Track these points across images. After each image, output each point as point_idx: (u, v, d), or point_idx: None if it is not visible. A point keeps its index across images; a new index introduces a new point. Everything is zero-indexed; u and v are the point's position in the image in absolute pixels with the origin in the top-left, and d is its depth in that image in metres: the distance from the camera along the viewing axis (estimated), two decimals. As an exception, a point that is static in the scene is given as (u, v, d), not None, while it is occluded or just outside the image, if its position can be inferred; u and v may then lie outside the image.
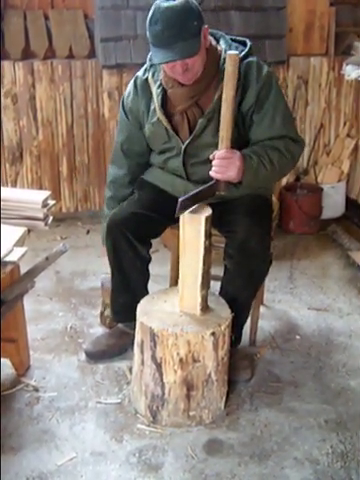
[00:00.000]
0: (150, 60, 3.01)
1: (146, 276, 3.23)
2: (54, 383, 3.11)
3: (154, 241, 3.21)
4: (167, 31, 2.67)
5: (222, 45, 2.94)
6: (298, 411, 2.94)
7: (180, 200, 2.66)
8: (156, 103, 2.97)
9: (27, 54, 4.69)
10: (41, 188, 4.84)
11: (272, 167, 2.83)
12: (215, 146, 2.82)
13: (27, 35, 4.68)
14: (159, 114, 2.97)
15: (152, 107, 3.01)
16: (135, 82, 3.08)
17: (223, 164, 2.71)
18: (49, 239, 4.61)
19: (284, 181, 4.87)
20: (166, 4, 2.69)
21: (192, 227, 2.68)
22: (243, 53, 2.89)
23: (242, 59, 2.86)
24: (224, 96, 2.65)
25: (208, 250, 2.73)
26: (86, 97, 4.78)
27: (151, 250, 3.20)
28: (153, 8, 2.72)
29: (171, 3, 2.69)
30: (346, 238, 4.69)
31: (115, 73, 4.70)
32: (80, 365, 3.25)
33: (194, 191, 2.75)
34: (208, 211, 2.69)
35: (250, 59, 2.90)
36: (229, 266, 3.02)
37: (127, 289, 3.17)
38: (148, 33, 2.74)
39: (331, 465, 2.63)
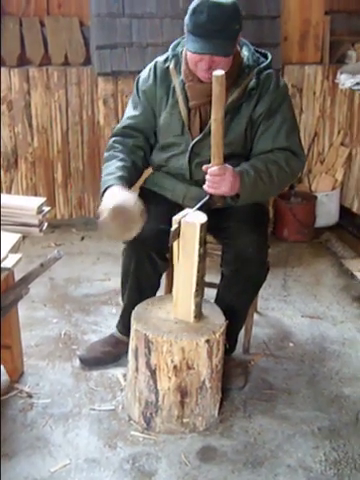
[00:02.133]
0: (173, 49, 3.03)
1: (158, 287, 3.24)
2: (48, 390, 3.11)
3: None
4: (211, 24, 2.69)
5: (245, 53, 2.97)
6: (291, 418, 2.94)
7: (172, 230, 2.66)
8: (179, 95, 2.97)
9: (23, 61, 4.70)
10: (36, 195, 4.84)
11: (271, 181, 2.84)
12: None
13: (23, 42, 4.69)
14: (181, 107, 2.98)
15: (172, 97, 3.01)
16: (155, 68, 3.06)
17: (216, 180, 2.70)
18: (43, 245, 4.61)
19: (279, 189, 4.88)
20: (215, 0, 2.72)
21: (187, 234, 2.68)
22: (264, 64, 2.95)
23: (263, 70, 2.93)
24: (213, 116, 2.62)
25: (203, 258, 2.73)
26: (81, 104, 4.79)
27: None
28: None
29: (221, 0, 2.72)
30: (340, 246, 4.70)
31: (110, 80, 4.72)
32: (74, 372, 3.25)
33: (189, 211, 2.74)
34: (203, 218, 2.69)
35: (270, 71, 2.95)
36: (226, 273, 3.03)
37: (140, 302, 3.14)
38: (188, 21, 2.76)
39: (324, 473, 2.63)
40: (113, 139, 3.14)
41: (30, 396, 3.05)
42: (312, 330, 3.67)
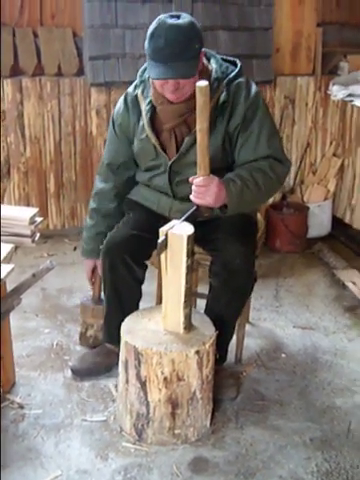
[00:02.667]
0: (140, 76, 3.04)
1: (139, 297, 3.23)
2: (39, 400, 3.10)
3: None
4: (169, 48, 2.68)
5: (213, 65, 2.95)
6: (283, 429, 2.94)
7: (159, 241, 2.67)
8: (145, 120, 2.99)
9: (16, 71, 4.70)
10: (28, 205, 4.84)
11: (257, 189, 2.84)
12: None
13: (16, 52, 4.69)
14: (148, 131, 2.99)
15: (141, 123, 3.03)
16: (126, 98, 3.10)
17: (201, 191, 2.71)
18: (36, 256, 4.61)
19: (270, 200, 4.88)
20: (172, 21, 2.71)
21: (174, 246, 2.68)
22: (233, 74, 2.92)
23: (232, 80, 2.90)
24: (198, 126, 2.63)
25: (190, 269, 2.72)
26: (74, 114, 4.80)
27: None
28: (157, 22, 2.73)
29: (177, 21, 2.71)
30: (332, 257, 4.71)
31: (103, 91, 4.73)
32: (66, 382, 3.24)
33: (176, 222, 2.76)
34: (190, 230, 2.68)
35: (240, 80, 2.93)
36: (214, 284, 3.03)
37: (122, 313, 3.13)
38: (147, 47, 2.76)
39: (316, 484, 2.64)
40: (99, 179, 3.34)
41: (22, 407, 3.04)
42: (304, 341, 3.68)
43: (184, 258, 2.68)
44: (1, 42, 4.58)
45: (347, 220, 4.99)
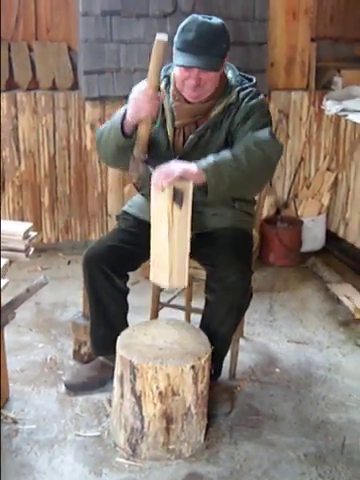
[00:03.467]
0: (165, 71, 3.05)
1: (125, 308, 3.23)
2: (33, 415, 3.09)
3: (134, 273, 3.21)
4: (198, 41, 2.77)
5: (230, 75, 3.03)
6: (277, 444, 2.93)
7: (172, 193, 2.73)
8: (167, 115, 3.01)
9: (10, 85, 4.72)
10: (23, 218, 4.84)
11: (239, 164, 2.78)
12: None
13: (11, 66, 4.71)
14: (169, 126, 3.01)
15: (160, 116, 3.02)
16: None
17: (161, 171, 2.72)
18: (30, 269, 4.60)
19: (264, 214, 4.90)
20: (204, 19, 2.82)
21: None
22: (246, 85, 3.00)
23: (244, 88, 2.97)
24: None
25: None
26: (69, 129, 4.81)
27: (131, 282, 3.21)
28: (189, 19, 2.84)
29: (209, 20, 2.83)
30: (326, 271, 4.72)
31: (98, 105, 4.74)
32: (59, 397, 3.23)
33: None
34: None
35: (251, 89, 2.99)
36: (210, 299, 3.03)
37: (106, 322, 3.17)
38: (177, 39, 2.83)
39: (310, 500, 2.64)
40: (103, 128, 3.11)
41: (15, 422, 3.03)
42: (298, 355, 3.67)
43: (190, 205, 2.75)
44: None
45: (341, 234, 5.00)
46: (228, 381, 3.37)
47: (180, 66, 2.86)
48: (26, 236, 2.97)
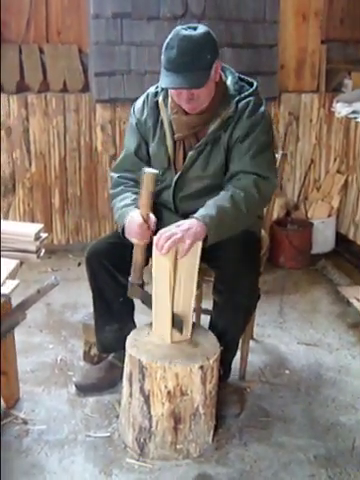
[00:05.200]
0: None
1: (130, 306, 3.23)
2: (43, 416, 3.10)
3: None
4: (180, 58, 2.71)
5: (229, 82, 2.97)
6: (287, 446, 2.93)
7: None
8: (167, 129, 2.99)
9: (21, 87, 4.74)
10: (33, 220, 4.86)
11: (238, 212, 2.79)
12: (203, 180, 2.92)
13: (22, 68, 4.73)
14: (169, 141, 2.99)
15: (160, 130, 3.03)
16: (146, 98, 3.09)
17: (164, 235, 2.66)
18: (40, 271, 4.62)
19: (274, 216, 4.90)
20: (185, 32, 2.74)
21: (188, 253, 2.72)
22: (246, 93, 2.94)
23: (243, 98, 2.92)
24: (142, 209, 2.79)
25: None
26: (79, 130, 4.83)
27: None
28: (172, 33, 2.76)
29: (191, 32, 2.74)
30: (336, 273, 4.71)
31: (108, 107, 4.75)
32: (70, 398, 3.24)
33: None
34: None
35: (250, 98, 2.93)
36: (217, 301, 3.04)
37: (111, 319, 3.19)
38: (162, 57, 2.79)
39: (320, 501, 2.63)
40: (118, 175, 3.13)
41: (26, 422, 3.04)
42: (308, 357, 3.67)
43: (197, 264, 2.76)
44: (2, 58, 4.65)
45: (351, 236, 4.99)
46: (238, 382, 3.37)
47: (163, 87, 2.88)
48: (37, 237, 2.97)
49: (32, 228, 3.03)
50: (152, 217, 2.87)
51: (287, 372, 3.53)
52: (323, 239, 5.08)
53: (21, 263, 2.92)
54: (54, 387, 3.33)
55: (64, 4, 4.87)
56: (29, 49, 4.79)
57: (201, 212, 2.75)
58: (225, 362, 3.05)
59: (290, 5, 4.91)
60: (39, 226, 3.06)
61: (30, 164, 4.84)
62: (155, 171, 2.74)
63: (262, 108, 2.95)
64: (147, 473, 2.75)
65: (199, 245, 2.74)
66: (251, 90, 2.96)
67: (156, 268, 2.78)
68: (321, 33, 5.05)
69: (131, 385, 2.83)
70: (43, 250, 3.05)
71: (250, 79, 3.05)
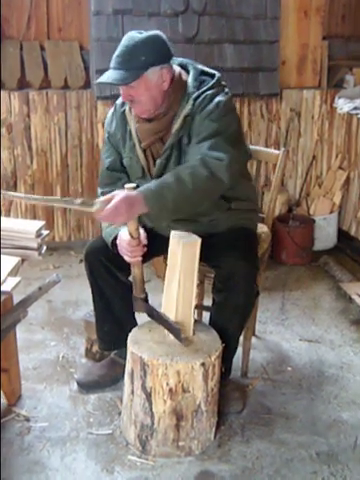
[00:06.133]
0: None
1: (130, 303, 3.19)
2: (45, 413, 3.10)
3: (147, 271, 3.21)
4: (118, 57, 2.77)
5: (189, 79, 2.91)
6: (290, 443, 2.93)
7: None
8: (135, 139, 2.98)
9: (23, 84, 4.74)
10: (34, 217, 4.86)
11: (183, 187, 2.68)
12: None
13: (23, 65, 4.73)
14: (139, 151, 2.98)
15: (129, 141, 3.02)
16: (114, 110, 3.09)
17: (107, 212, 2.63)
18: (42, 268, 4.62)
19: (276, 212, 4.89)
20: (132, 34, 2.78)
21: (189, 253, 2.74)
22: (204, 87, 2.87)
23: (201, 94, 2.86)
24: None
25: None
26: (81, 127, 4.82)
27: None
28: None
29: (136, 34, 2.78)
30: (338, 269, 4.70)
31: (109, 104, 4.72)
32: (72, 395, 3.24)
33: (158, 313, 2.92)
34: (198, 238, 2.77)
35: (207, 92, 2.85)
36: (216, 299, 3.04)
37: (111, 316, 3.19)
38: None
39: (322, 498, 2.63)
40: (101, 191, 3.16)
41: (27, 420, 3.04)
42: (310, 354, 3.67)
43: (197, 262, 2.76)
44: (2, 54, 4.64)
45: (353, 233, 4.99)
46: (240, 379, 3.37)
47: (98, 83, 2.92)
48: (38, 234, 2.97)
49: (33, 225, 3.03)
50: (141, 232, 2.86)
51: (289, 369, 3.52)
52: (325, 235, 5.08)
53: (23, 260, 2.92)
54: (56, 384, 3.33)
55: (65, 1, 4.88)
56: (30, 46, 4.79)
57: (143, 187, 2.70)
58: (225, 360, 3.04)
59: (291, 1, 4.91)
60: (40, 223, 3.06)
61: (31, 161, 4.83)
62: (132, 185, 2.69)
63: (218, 98, 2.85)
64: (149, 470, 2.75)
65: (198, 245, 2.75)
66: (211, 83, 2.90)
67: (185, 261, 2.78)
68: (323, 29, 5.04)
69: (133, 382, 2.83)
70: (44, 247, 3.05)
71: (212, 71, 2.99)
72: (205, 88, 2.88)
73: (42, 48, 4.81)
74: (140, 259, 2.88)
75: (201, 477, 2.72)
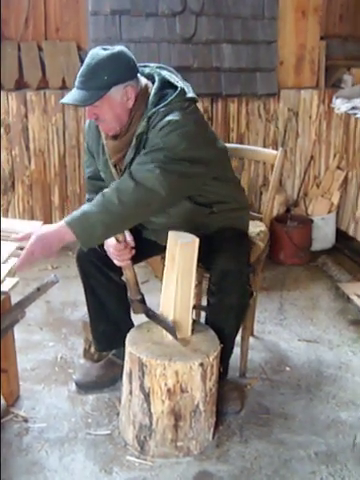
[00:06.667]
0: None
1: (125, 302, 3.17)
2: (44, 414, 3.10)
3: (144, 271, 3.21)
4: (80, 77, 2.72)
5: (151, 95, 2.82)
6: (288, 443, 2.93)
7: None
8: (107, 154, 2.95)
9: (20, 84, 4.73)
10: (33, 217, 4.86)
11: (108, 206, 2.65)
12: None
13: (21, 66, 4.72)
14: (111, 166, 2.95)
15: (102, 154, 2.99)
16: (90, 122, 3.04)
17: (25, 252, 2.60)
18: (40, 268, 4.61)
19: (274, 212, 4.89)
20: (96, 50, 2.73)
21: (186, 254, 2.74)
22: (162, 104, 2.77)
23: (157, 110, 2.77)
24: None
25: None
26: (78, 128, 4.81)
27: (140, 280, 3.20)
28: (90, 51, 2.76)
29: (100, 51, 2.71)
30: (336, 269, 4.71)
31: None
32: (70, 396, 3.24)
33: (154, 313, 2.94)
34: (197, 238, 2.76)
35: (161, 109, 2.76)
36: (210, 301, 3.03)
37: (106, 317, 3.19)
38: None
39: (321, 498, 2.63)
40: (87, 197, 3.16)
41: (26, 420, 3.04)
42: (308, 354, 3.67)
43: (195, 264, 2.76)
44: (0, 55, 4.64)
45: (351, 233, 4.99)
46: (238, 379, 3.37)
47: (62, 103, 2.89)
48: (36, 235, 2.97)
49: (31, 226, 3.02)
50: (127, 234, 2.86)
51: (287, 369, 3.52)
52: (323, 235, 5.08)
53: (21, 261, 2.91)
54: (54, 385, 3.33)
55: (62, 1, 4.87)
56: (28, 46, 4.78)
57: (67, 218, 2.67)
58: (222, 360, 3.04)
59: (289, 1, 4.90)
60: (38, 223, 3.06)
61: (29, 161, 4.83)
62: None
63: (170, 116, 2.74)
64: (147, 470, 2.75)
65: (196, 245, 2.75)
66: (169, 99, 2.79)
67: (182, 262, 2.77)
68: (320, 29, 5.04)
69: (131, 383, 2.83)
70: (42, 248, 3.04)
71: (177, 83, 2.86)
72: (161, 105, 2.78)
73: (40, 48, 4.80)
74: (129, 262, 2.89)
75: (199, 477, 2.72)
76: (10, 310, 2.86)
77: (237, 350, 3.24)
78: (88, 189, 3.19)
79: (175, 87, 2.84)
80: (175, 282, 2.78)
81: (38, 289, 2.92)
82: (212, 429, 2.92)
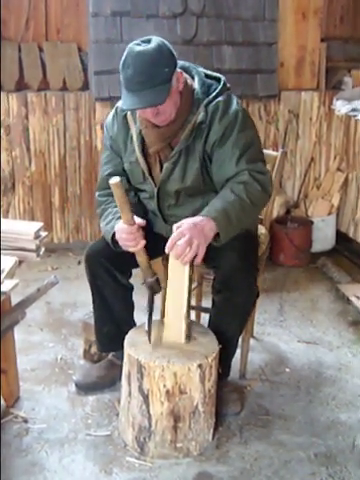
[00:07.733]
0: None
1: (130, 305, 3.23)
2: (43, 414, 3.10)
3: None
4: (137, 77, 2.63)
5: (196, 84, 2.87)
6: (288, 444, 2.93)
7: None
8: (135, 144, 2.94)
9: (21, 86, 4.75)
10: (33, 218, 4.86)
11: (243, 203, 2.75)
12: (184, 190, 2.91)
13: (21, 67, 4.74)
14: (138, 155, 2.95)
15: (130, 145, 2.99)
16: (116, 113, 3.03)
17: (183, 246, 2.64)
18: (40, 269, 4.61)
19: (274, 214, 4.90)
20: (138, 48, 2.65)
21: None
22: (214, 93, 2.84)
23: (212, 100, 2.83)
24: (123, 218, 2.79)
25: (191, 278, 2.79)
26: (79, 129, 4.82)
27: (142, 281, 3.20)
28: (126, 52, 2.68)
29: (143, 47, 2.65)
30: (336, 271, 4.71)
31: (108, 105, 4.73)
32: (70, 396, 3.24)
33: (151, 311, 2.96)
34: None
35: (219, 99, 2.83)
36: (216, 300, 3.03)
37: (110, 318, 3.18)
38: (121, 76, 2.71)
39: (320, 499, 2.63)
40: (98, 194, 3.15)
41: (26, 421, 3.04)
42: (308, 355, 3.67)
43: (187, 268, 2.74)
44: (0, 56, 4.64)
45: (351, 234, 5.00)
46: (238, 381, 3.37)
47: (124, 109, 2.86)
48: (37, 236, 2.97)
49: (32, 227, 3.03)
50: (137, 219, 2.86)
51: (287, 370, 3.52)
52: (323, 237, 5.08)
53: (21, 262, 2.92)
54: (54, 386, 3.33)
55: (63, 2, 4.88)
56: (28, 47, 4.79)
57: (206, 209, 2.73)
58: (224, 361, 3.05)
59: (290, 3, 4.91)
60: (39, 224, 3.06)
61: (30, 163, 4.84)
62: (117, 178, 2.68)
63: (233, 106, 2.85)
64: (147, 471, 2.74)
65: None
66: (219, 89, 2.86)
67: (174, 266, 2.77)
68: (321, 31, 5.05)
69: (130, 384, 2.83)
70: (43, 249, 3.05)
71: (216, 75, 2.96)
72: (214, 94, 2.85)
73: (40, 49, 4.82)
74: (143, 245, 2.86)
75: (199, 478, 2.71)
76: (10, 311, 2.87)
77: (237, 351, 3.23)
78: (102, 187, 3.11)
79: (215, 78, 2.93)
80: (169, 286, 2.79)
81: (38, 290, 2.93)
82: (212, 430, 2.92)
